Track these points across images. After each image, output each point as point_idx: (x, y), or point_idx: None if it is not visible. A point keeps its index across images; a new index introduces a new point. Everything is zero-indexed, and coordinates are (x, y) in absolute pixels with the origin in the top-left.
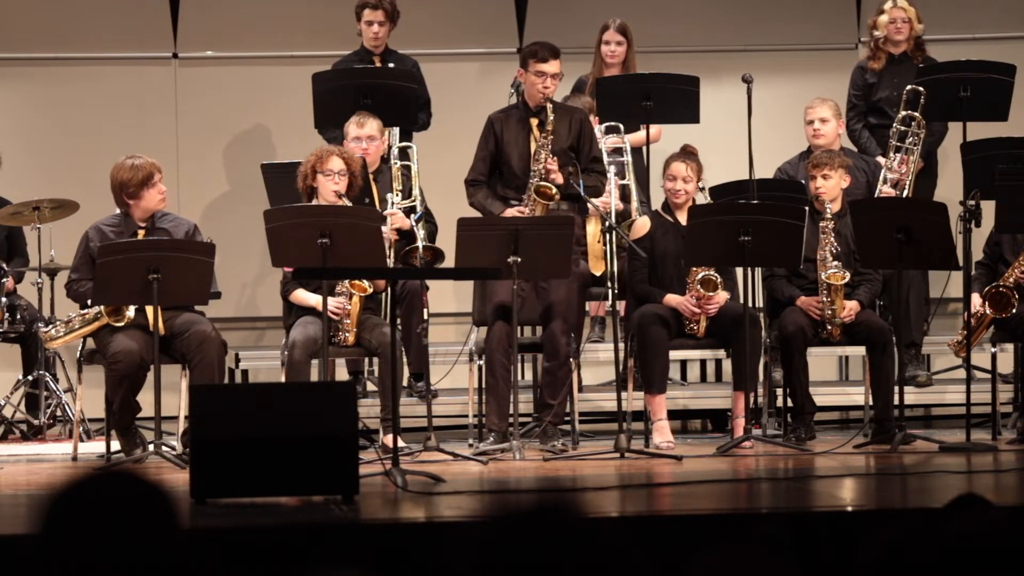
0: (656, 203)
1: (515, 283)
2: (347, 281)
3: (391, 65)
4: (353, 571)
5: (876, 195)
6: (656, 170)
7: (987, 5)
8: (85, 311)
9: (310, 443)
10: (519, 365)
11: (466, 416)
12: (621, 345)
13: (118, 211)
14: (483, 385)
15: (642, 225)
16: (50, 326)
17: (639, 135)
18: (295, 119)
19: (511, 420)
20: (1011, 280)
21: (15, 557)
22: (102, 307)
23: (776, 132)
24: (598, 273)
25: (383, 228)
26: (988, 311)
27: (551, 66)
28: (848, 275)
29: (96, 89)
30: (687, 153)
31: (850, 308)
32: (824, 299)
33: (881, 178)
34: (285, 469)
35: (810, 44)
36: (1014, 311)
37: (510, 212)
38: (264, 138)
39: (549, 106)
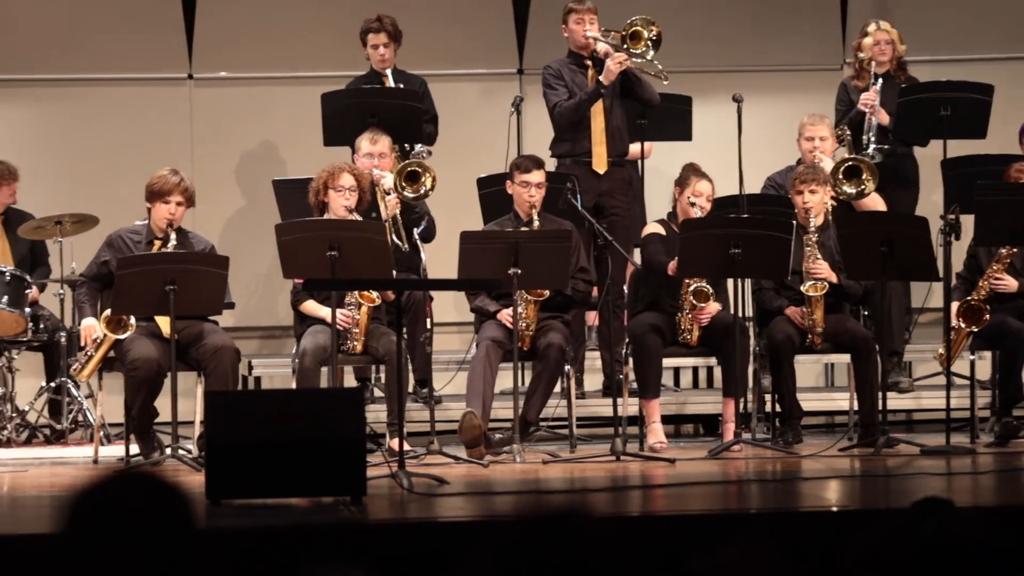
0: (650, 214)
1: (515, 293)
2: (356, 292)
3: (400, 85)
4: (348, 569)
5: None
6: (650, 184)
7: (967, 27)
8: (95, 336)
9: (320, 446)
10: (519, 372)
11: None
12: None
13: (142, 220)
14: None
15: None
16: (74, 361)
17: (633, 149)
18: (305, 137)
19: (511, 425)
20: (983, 292)
21: (40, 555)
22: (105, 328)
23: (765, 149)
24: None
25: (388, 199)
26: (963, 325)
27: (534, 176)
28: (826, 286)
29: (116, 108)
30: (704, 173)
31: (823, 267)
32: (804, 309)
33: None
34: (296, 471)
35: (797, 65)
36: (986, 319)
37: (504, 313)
38: (275, 155)
39: (536, 223)
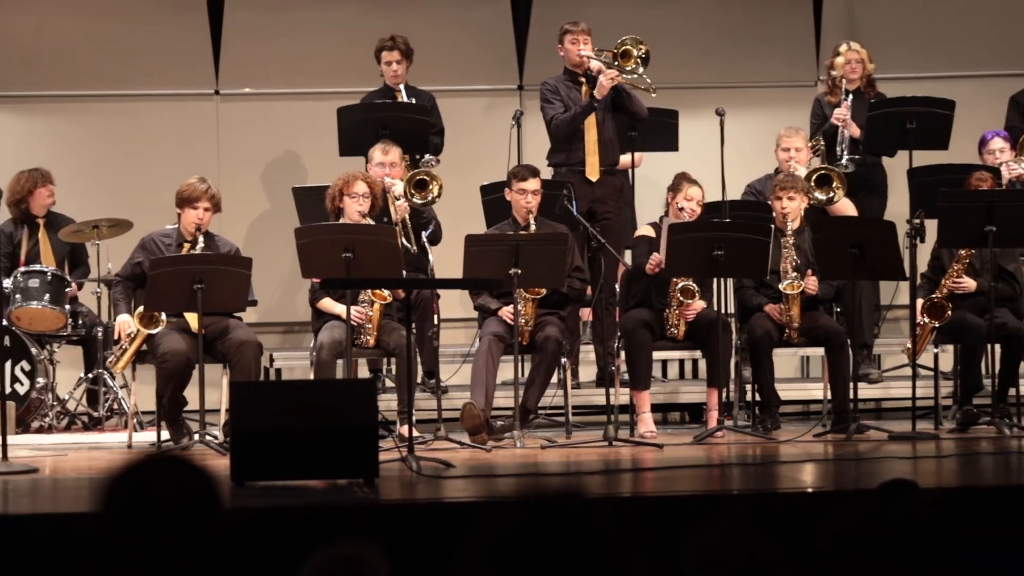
0: (640, 219)
1: (515, 291)
2: (369, 290)
3: (412, 100)
4: (359, 545)
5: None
6: (639, 191)
7: (931, 48)
8: (129, 331)
9: (336, 433)
10: (519, 364)
11: None
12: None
13: (173, 225)
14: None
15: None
16: (109, 354)
17: (624, 160)
18: (322, 148)
19: (512, 413)
20: (945, 290)
21: (79, 532)
22: (139, 323)
23: (745, 158)
24: None
25: (397, 204)
26: (927, 320)
27: (530, 184)
28: (803, 285)
29: (148, 122)
30: (695, 180)
31: (811, 282)
32: (783, 306)
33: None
34: (314, 456)
35: (775, 82)
36: (948, 316)
37: (505, 310)
38: (295, 164)
39: (533, 227)
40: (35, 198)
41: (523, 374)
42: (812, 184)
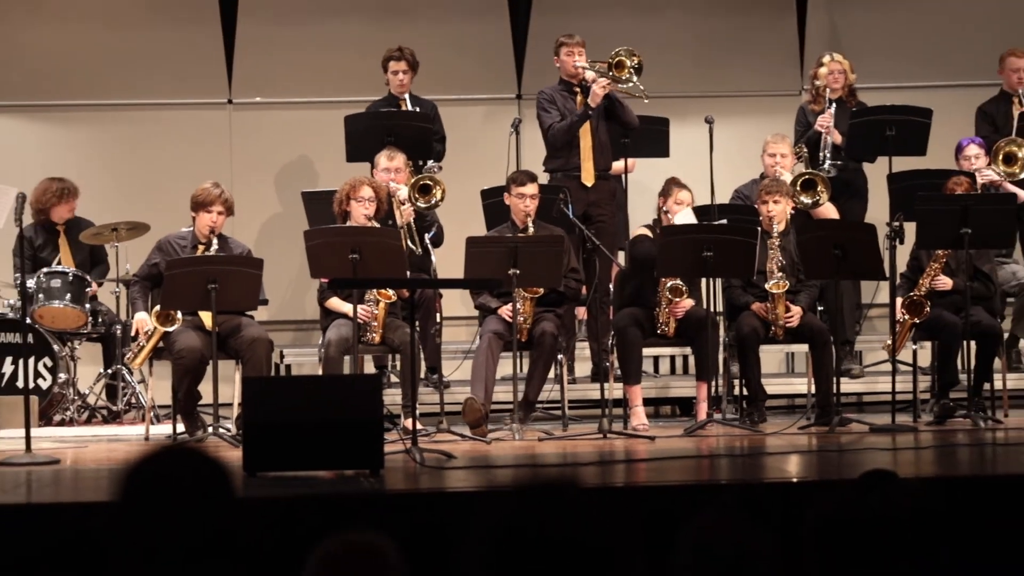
0: (633, 222)
1: (514, 291)
2: (374, 290)
3: (416, 109)
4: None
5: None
6: (632, 195)
7: (909, 59)
8: (147, 329)
9: (343, 426)
10: (518, 360)
11: None
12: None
13: (188, 227)
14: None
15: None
16: (128, 351)
17: (617, 165)
18: (330, 154)
19: (511, 406)
20: (923, 289)
21: (99, 520)
22: (155, 321)
23: (733, 164)
24: None
25: (403, 209)
26: (906, 317)
27: (529, 188)
28: (788, 284)
29: (165, 129)
30: (684, 185)
31: (795, 312)
32: (768, 304)
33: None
34: (322, 447)
35: (761, 91)
36: (927, 312)
37: (504, 309)
38: (304, 170)
39: (531, 230)
40: (56, 210)
41: (522, 370)
42: (798, 188)
